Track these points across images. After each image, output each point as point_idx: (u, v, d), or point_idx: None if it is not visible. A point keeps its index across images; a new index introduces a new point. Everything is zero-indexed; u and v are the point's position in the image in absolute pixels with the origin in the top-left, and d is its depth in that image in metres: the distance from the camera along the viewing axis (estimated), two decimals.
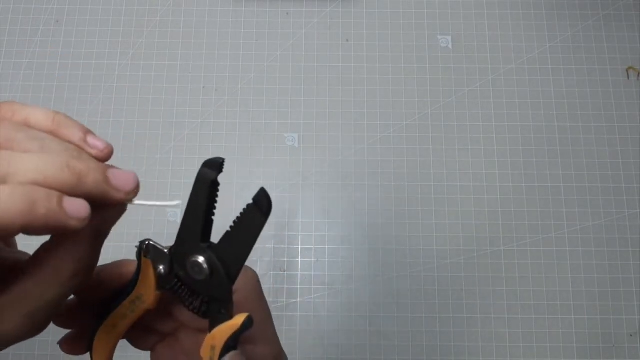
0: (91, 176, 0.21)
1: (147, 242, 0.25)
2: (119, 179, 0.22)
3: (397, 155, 0.54)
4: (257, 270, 0.51)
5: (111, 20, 0.58)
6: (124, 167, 0.23)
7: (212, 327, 0.25)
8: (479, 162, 0.53)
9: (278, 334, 0.28)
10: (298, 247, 0.51)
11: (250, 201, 0.23)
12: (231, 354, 0.24)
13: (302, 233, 0.51)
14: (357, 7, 0.58)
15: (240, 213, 0.24)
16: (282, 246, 0.51)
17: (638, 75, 0.55)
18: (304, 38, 0.57)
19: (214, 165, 0.23)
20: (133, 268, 0.26)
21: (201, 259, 0.24)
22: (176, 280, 0.25)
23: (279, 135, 0.54)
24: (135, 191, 0.23)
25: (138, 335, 0.28)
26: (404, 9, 0.58)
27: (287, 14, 0.58)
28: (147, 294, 0.26)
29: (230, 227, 0.24)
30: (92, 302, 0.26)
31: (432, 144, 0.54)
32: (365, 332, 0.49)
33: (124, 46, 0.57)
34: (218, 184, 0.24)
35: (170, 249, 0.25)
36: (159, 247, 0.25)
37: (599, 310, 0.50)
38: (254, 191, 0.23)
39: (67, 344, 0.26)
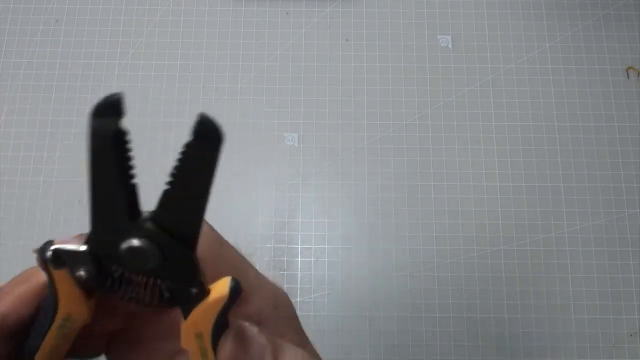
0: None
1: (50, 248, 0.17)
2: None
3: (397, 155, 0.54)
4: None
5: (111, 20, 0.58)
6: None
7: (186, 312, 0.18)
8: (479, 162, 0.53)
9: None
10: (298, 247, 0.51)
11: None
12: (230, 337, 0.18)
13: (302, 233, 0.51)
14: (357, 7, 0.58)
15: (179, 159, 0.17)
16: (282, 246, 0.51)
17: (638, 75, 0.55)
18: (304, 38, 0.57)
19: (110, 109, 0.15)
20: (42, 279, 0.18)
21: (139, 242, 0.17)
22: (111, 278, 0.18)
23: (279, 135, 0.54)
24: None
25: (80, 346, 0.20)
26: (404, 9, 0.58)
27: (287, 14, 0.58)
28: (78, 310, 0.18)
29: (168, 182, 0.17)
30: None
31: (432, 144, 0.54)
32: (365, 332, 0.49)
33: (124, 46, 0.57)
34: (124, 134, 0.16)
35: (87, 242, 0.17)
36: (69, 248, 0.17)
37: (599, 310, 0.50)
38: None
39: None
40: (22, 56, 0.56)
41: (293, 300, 0.23)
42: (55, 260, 0.17)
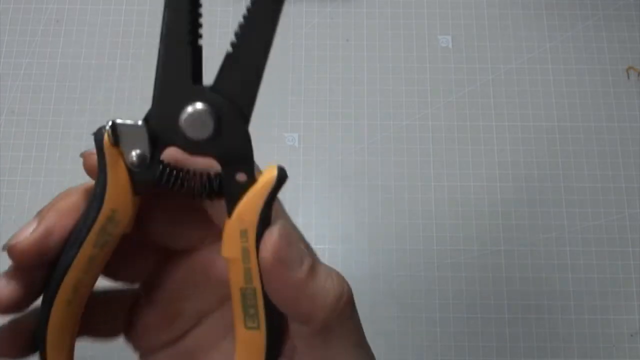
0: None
1: (110, 123, 0.17)
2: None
3: (397, 155, 0.54)
4: None
5: (111, 20, 0.58)
6: None
7: (232, 204, 0.18)
8: (479, 162, 0.53)
9: None
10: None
11: None
12: (277, 225, 0.18)
13: (302, 233, 0.51)
14: (357, 7, 0.58)
15: (244, 15, 0.17)
16: None
17: (638, 75, 0.55)
18: (304, 38, 0.57)
19: None
20: (81, 191, 0.18)
21: (200, 105, 0.17)
22: (161, 166, 0.18)
23: (279, 135, 0.54)
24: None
25: (117, 267, 0.20)
26: (404, 9, 0.58)
27: (287, 14, 0.58)
28: (123, 205, 0.18)
29: (232, 43, 0.17)
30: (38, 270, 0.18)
31: (432, 144, 0.54)
32: (366, 332, 0.49)
33: (124, 46, 0.57)
34: None
35: (147, 117, 0.18)
36: (128, 123, 0.17)
37: (599, 310, 0.50)
38: None
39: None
40: (22, 56, 0.56)
41: None
42: (112, 134, 0.17)
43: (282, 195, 0.56)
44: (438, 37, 0.57)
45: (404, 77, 0.56)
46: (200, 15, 0.18)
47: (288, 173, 0.18)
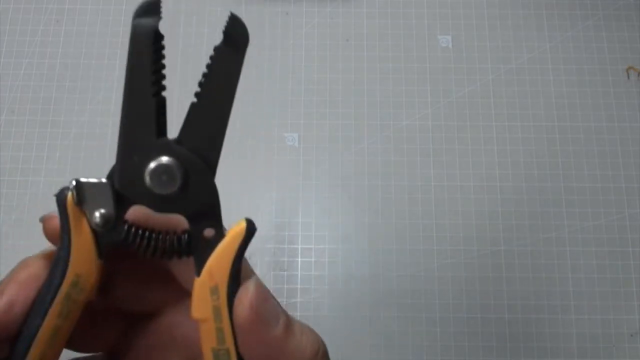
0: None
1: (74, 183, 0.17)
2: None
3: (397, 155, 0.54)
4: (257, 271, 0.51)
5: (111, 20, 0.58)
6: None
7: (200, 262, 0.17)
8: (479, 162, 0.53)
9: None
10: (298, 247, 0.51)
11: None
12: (251, 281, 0.17)
13: (302, 233, 0.51)
14: (357, 7, 0.58)
15: (207, 65, 0.17)
16: (282, 246, 0.51)
17: (638, 75, 0.55)
18: (304, 38, 0.57)
19: (150, 9, 0.16)
20: (41, 263, 0.17)
21: (166, 160, 0.16)
22: (127, 226, 0.17)
23: (279, 135, 0.54)
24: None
25: (81, 337, 0.19)
26: (404, 9, 0.58)
27: (287, 14, 0.58)
28: (87, 269, 0.17)
29: (196, 94, 0.17)
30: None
31: (432, 144, 0.54)
32: (365, 332, 0.49)
33: (124, 46, 0.57)
34: (162, 38, 0.17)
35: (110, 174, 0.17)
36: (92, 181, 0.17)
37: (599, 310, 0.50)
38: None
39: None
40: (22, 56, 0.56)
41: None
42: (76, 193, 0.16)
43: (282, 196, 0.55)
44: (438, 37, 0.57)
45: (404, 77, 0.56)
46: (163, 66, 0.17)
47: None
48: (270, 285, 0.50)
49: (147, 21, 0.16)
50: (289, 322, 0.18)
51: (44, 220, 0.18)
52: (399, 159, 0.53)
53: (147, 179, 0.17)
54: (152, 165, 0.16)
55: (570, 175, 0.53)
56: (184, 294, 0.19)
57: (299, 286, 0.50)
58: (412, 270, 0.51)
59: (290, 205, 0.52)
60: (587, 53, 0.56)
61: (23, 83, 0.55)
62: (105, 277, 0.18)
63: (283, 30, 0.57)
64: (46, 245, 0.19)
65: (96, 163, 0.53)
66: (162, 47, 0.17)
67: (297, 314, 0.49)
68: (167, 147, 0.17)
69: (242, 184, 0.52)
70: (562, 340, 0.49)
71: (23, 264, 0.18)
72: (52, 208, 0.53)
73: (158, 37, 0.17)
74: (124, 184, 0.17)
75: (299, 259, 0.51)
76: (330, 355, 0.23)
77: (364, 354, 0.49)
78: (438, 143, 0.54)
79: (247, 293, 0.17)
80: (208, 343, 0.17)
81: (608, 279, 0.50)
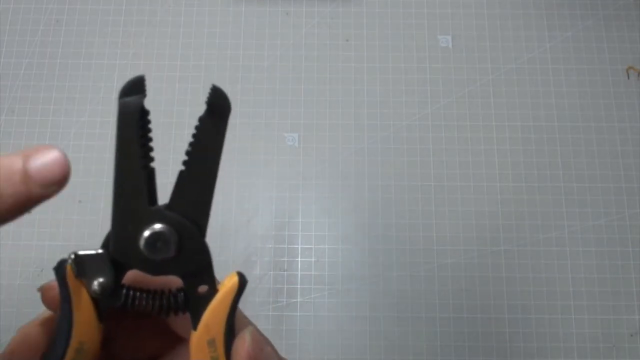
0: (7, 190, 0.15)
1: (72, 256, 0.18)
2: (44, 169, 0.16)
3: (397, 155, 0.54)
4: (257, 271, 0.52)
5: (111, 20, 0.58)
6: None
7: (197, 317, 0.18)
8: (479, 162, 0.53)
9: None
10: (298, 247, 0.51)
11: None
12: (247, 332, 0.18)
13: (302, 233, 0.51)
14: (357, 7, 0.58)
15: (193, 135, 0.18)
16: (282, 246, 0.51)
17: (638, 75, 0.55)
18: (304, 38, 0.57)
19: (134, 88, 0.17)
20: (46, 314, 0.18)
21: (160, 226, 0.17)
22: (125, 290, 0.18)
23: (279, 135, 0.54)
24: (63, 179, 0.16)
25: None
26: (404, 9, 0.58)
27: (287, 14, 0.58)
28: (90, 335, 0.18)
29: (184, 162, 0.18)
30: None
31: (432, 144, 0.54)
32: (365, 332, 0.49)
33: (124, 46, 0.57)
34: (148, 113, 0.18)
35: (105, 243, 0.18)
36: (90, 253, 0.18)
37: (599, 310, 0.50)
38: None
39: None
40: (22, 56, 0.56)
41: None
42: (78, 267, 0.17)
43: (282, 196, 0.55)
44: (438, 37, 0.57)
45: (404, 77, 0.56)
46: (150, 139, 0.18)
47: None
48: (270, 285, 0.50)
49: (132, 99, 0.17)
50: None
51: (43, 290, 0.19)
52: (399, 159, 0.53)
53: (142, 246, 0.17)
54: (147, 233, 0.17)
55: (570, 175, 0.53)
56: (180, 340, 0.20)
57: (299, 286, 0.50)
58: (412, 270, 0.51)
59: (290, 205, 0.52)
60: (587, 53, 0.56)
61: (23, 83, 0.55)
62: (105, 334, 0.19)
63: (283, 30, 0.57)
64: (42, 310, 0.19)
65: (96, 163, 0.53)
66: (148, 122, 0.18)
67: (297, 314, 0.49)
68: (159, 214, 0.18)
69: (242, 184, 0.52)
70: (562, 340, 0.49)
71: (22, 334, 0.18)
72: (50, 208, 0.53)
73: (144, 113, 0.17)
74: (120, 252, 0.18)
75: (299, 259, 0.51)
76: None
77: (364, 354, 0.49)
78: (438, 143, 0.54)
79: (243, 343, 0.18)
80: None
81: (608, 279, 0.50)
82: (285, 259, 0.51)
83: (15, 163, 0.16)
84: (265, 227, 0.51)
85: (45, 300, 0.19)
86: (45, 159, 0.16)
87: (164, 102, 0.55)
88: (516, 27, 0.57)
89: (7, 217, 0.16)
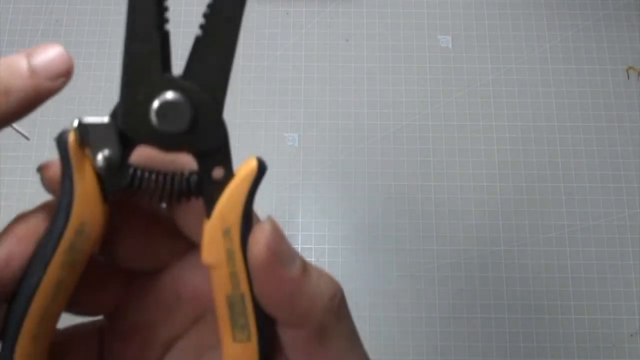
0: (16, 84, 0.16)
1: (76, 123, 0.16)
2: (48, 63, 0.16)
3: (397, 155, 0.54)
4: None
5: (111, 20, 0.58)
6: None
7: (210, 203, 0.16)
8: (479, 162, 0.53)
9: None
10: (298, 247, 0.51)
11: None
12: (267, 220, 0.16)
13: (302, 233, 0.51)
14: (357, 7, 0.58)
15: (207, 4, 0.16)
16: None
17: (638, 75, 0.55)
18: (304, 38, 0.57)
19: None
20: (39, 217, 0.16)
21: (172, 95, 0.15)
22: (132, 169, 0.16)
23: (279, 135, 0.54)
24: (68, 71, 0.16)
25: (79, 299, 0.17)
26: (404, 9, 0.58)
27: (287, 14, 0.58)
28: (92, 215, 0.16)
29: (200, 25, 0.16)
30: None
31: (432, 144, 0.54)
32: (365, 332, 0.49)
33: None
34: None
35: (113, 113, 0.16)
36: (95, 121, 0.16)
37: (599, 310, 0.50)
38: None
39: None
40: None
41: None
42: (81, 134, 0.15)
43: (282, 196, 0.55)
44: (438, 37, 0.57)
45: (404, 77, 0.56)
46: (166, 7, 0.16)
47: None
48: None
49: None
50: (306, 264, 0.17)
51: (42, 167, 0.17)
52: (399, 159, 0.53)
53: (153, 116, 0.16)
54: (158, 101, 0.16)
55: (570, 175, 0.53)
56: (188, 247, 0.19)
57: None
58: (412, 270, 0.51)
59: (290, 205, 0.52)
60: (587, 53, 0.56)
61: None
62: (106, 234, 0.17)
63: (283, 30, 0.57)
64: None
65: None
66: None
67: None
68: (173, 83, 0.16)
69: None
70: (562, 340, 0.49)
71: (20, 217, 0.17)
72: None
73: None
74: (129, 122, 0.16)
75: None
76: None
77: None
78: (438, 143, 0.54)
79: (262, 232, 0.16)
80: (222, 290, 0.16)
81: (608, 279, 0.50)
82: None
83: (19, 60, 0.16)
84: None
85: (46, 180, 0.17)
86: (48, 54, 0.16)
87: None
88: (516, 27, 0.57)
89: (19, 112, 0.16)
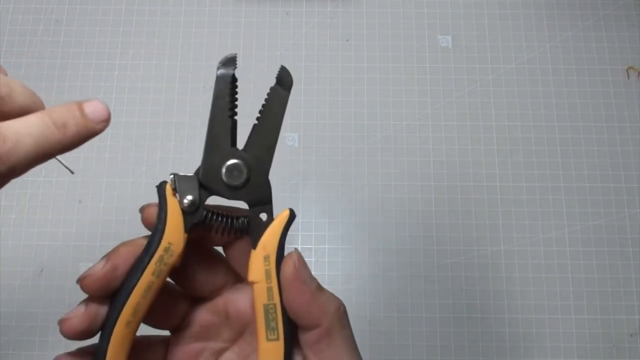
0: (71, 122, 0.22)
1: (173, 176, 0.23)
2: (95, 111, 0.23)
3: (397, 155, 0.54)
4: None
5: (111, 20, 0.58)
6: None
7: (256, 239, 0.24)
8: (479, 162, 0.53)
9: None
10: (298, 247, 0.51)
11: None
12: (294, 251, 0.23)
13: (302, 233, 0.51)
14: (357, 7, 0.58)
15: (265, 99, 0.25)
16: None
17: (638, 75, 0.55)
18: (304, 38, 0.57)
19: (229, 62, 0.24)
20: (141, 241, 0.23)
21: (236, 160, 0.24)
22: (205, 209, 0.24)
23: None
24: (108, 119, 0.23)
25: (155, 315, 0.25)
26: (404, 9, 0.58)
27: (287, 14, 0.58)
28: (177, 238, 0.23)
29: (257, 118, 0.25)
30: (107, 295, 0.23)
31: (432, 144, 0.54)
32: (365, 332, 0.49)
33: (124, 46, 0.57)
34: (236, 80, 0.25)
35: (197, 171, 0.24)
36: (185, 175, 0.24)
37: (599, 310, 0.50)
38: None
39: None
40: (22, 56, 0.56)
41: None
42: (175, 184, 0.23)
43: (282, 196, 0.55)
44: (438, 37, 0.57)
45: (404, 77, 0.56)
46: (236, 99, 0.25)
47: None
48: None
49: (227, 70, 0.24)
50: (320, 284, 0.24)
51: (144, 208, 0.24)
52: (399, 159, 0.53)
53: (223, 173, 0.24)
54: (226, 164, 0.24)
55: (570, 175, 0.53)
56: (236, 279, 0.26)
57: None
58: (412, 270, 0.51)
59: (290, 205, 0.52)
60: (587, 53, 0.56)
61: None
62: (181, 267, 0.24)
63: (283, 30, 0.57)
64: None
65: (96, 163, 0.53)
66: (236, 87, 0.25)
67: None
68: (237, 153, 0.24)
69: None
70: (562, 340, 0.49)
71: (124, 242, 0.23)
72: (50, 208, 0.53)
73: (234, 80, 0.25)
74: (207, 177, 0.24)
75: None
76: None
77: (364, 354, 0.49)
78: (438, 143, 0.54)
79: (291, 258, 0.23)
80: (260, 300, 0.23)
81: (608, 279, 0.50)
82: None
83: (74, 105, 0.23)
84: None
85: (145, 216, 0.24)
86: (95, 104, 0.23)
87: (164, 102, 0.55)
88: (516, 27, 0.57)
89: (70, 144, 0.22)
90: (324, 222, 0.52)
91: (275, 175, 0.53)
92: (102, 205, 0.52)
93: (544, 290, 0.50)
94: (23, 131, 0.21)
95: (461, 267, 0.51)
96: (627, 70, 0.55)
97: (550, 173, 0.53)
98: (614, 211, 0.52)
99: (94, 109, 0.23)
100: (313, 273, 0.24)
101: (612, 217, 0.52)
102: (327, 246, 0.51)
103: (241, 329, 0.26)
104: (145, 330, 0.25)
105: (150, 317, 0.24)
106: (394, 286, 0.50)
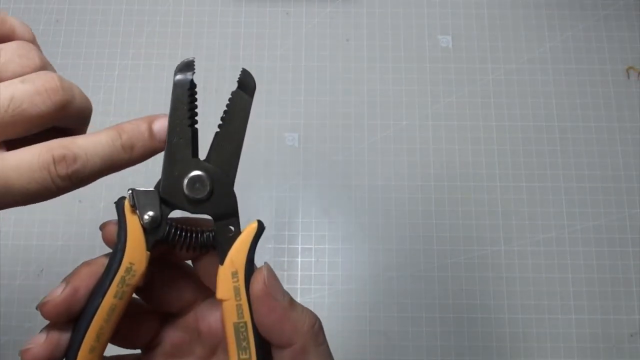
0: (140, 144, 0.22)
1: (131, 191, 0.22)
2: (161, 129, 0.22)
3: (397, 155, 0.54)
4: None
5: (111, 20, 0.58)
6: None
7: (223, 254, 0.22)
8: (479, 162, 0.53)
9: None
10: (298, 247, 0.51)
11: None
12: (264, 265, 0.22)
13: (302, 233, 0.51)
14: (357, 7, 0.58)
15: (227, 105, 0.23)
16: (282, 246, 0.51)
17: (638, 75, 0.55)
18: (304, 38, 0.57)
19: (187, 67, 0.23)
20: (101, 260, 0.22)
21: (199, 172, 0.22)
22: (168, 225, 0.22)
23: (279, 135, 0.54)
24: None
25: (124, 334, 0.24)
26: (404, 9, 0.58)
27: (287, 14, 0.58)
28: (138, 258, 0.22)
29: (219, 125, 0.23)
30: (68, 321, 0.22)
31: (432, 144, 0.54)
32: (365, 332, 0.49)
33: (124, 46, 0.57)
34: (195, 86, 0.23)
35: (157, 185, 0.23)
36: (144, 190, 0.22)
37: (599, 310, 0.50)
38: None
39: None
40: None
41: None
42: (134, 200, 0.22)
43: (282, 196, 0.55)
44: (438, 37, 0.57)
45: (404, 77, 0.56)
46: (196, 107, 0.23)
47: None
48: None
49: (185, 75, 0.23)
50: (292, 299, 0.23)
51: (103, 226, 0.23)
52: (399, 159, 0.53)
53: (185, 186, 0.22)
54: (188, 177, 0.22)
55: (570, 175, 0.53)
56: (207, 294, 0.25)
57: (299, 286, 0.50)
58: (412, 270, 0.51)
59: (290, 205, 0.52)
60: (587, 53, 0.56)
61: None
62: (146, 284, 0.23)
63: (283, 30, 0.57)
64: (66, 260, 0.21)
65: None
66: (195, 93, 0.23)
67: None
68: (199, 164, 0.22)
69: (242, 184, 0.52)
70: (562, 340, 0.49)
71: (85, 262, 0.22)
72: (50, 208, 0.53)
73: (192, 86, 0.23)
74: (168, 191, 0.22)
75: (299, 259, 0.51)
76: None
77: (364, 354, 0.49)
78: (438, 143, 0.54)
79: (261, 273, 0.22)
80: (230, 318, 0.22)
81: (608, 279, 0.50)
82: (285, 259, 0.51)
83: (142, 125, 0.23)
84: (265, 227, 0.51)
85: (105, 234, 0.23)
86: (161, 122, 0.23)
87: (165, 102, 0.55)
88: (516, 27, 0.57)
89: (137, 161, 0.22)
90: (324, 222, 0.52)
91: (275, 175, 0.53)
92: (102, 205, 0.52)
93: (544, 290, 0.50)
94: (92, 151, 0.21)
95: (461, 267, 0.51)
96: (627, 70, 0.55)
97: (550, 173, 0.53)
98: (614, 211, 0.52)
99: (161, 127, 0.23)
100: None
101: (612, 217, 0.52)
102: (327, 246, 0.51)
103: (214, 346, 0.25)
104: (116, 349, 0.24)
105: (118, 337, 0.23)
106: (394, 286, 0.50)
